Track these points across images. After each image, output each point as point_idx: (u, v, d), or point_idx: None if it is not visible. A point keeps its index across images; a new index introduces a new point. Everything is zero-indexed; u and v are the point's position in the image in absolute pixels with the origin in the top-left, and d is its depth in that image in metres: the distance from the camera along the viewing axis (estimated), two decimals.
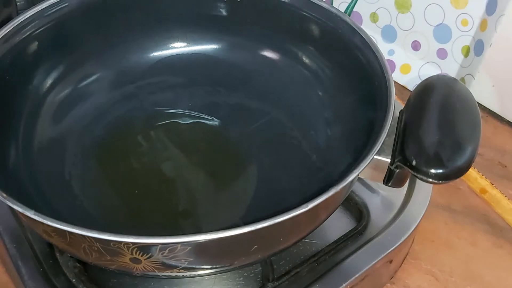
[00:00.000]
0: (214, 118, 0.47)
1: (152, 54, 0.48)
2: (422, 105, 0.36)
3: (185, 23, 0.48)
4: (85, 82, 0.46)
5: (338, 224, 0.42)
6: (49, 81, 0.44)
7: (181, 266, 0.31)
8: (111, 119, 0.45)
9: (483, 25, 0.54)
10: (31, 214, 0.29)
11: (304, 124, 0.45)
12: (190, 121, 0.47)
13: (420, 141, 0.34)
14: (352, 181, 0.32)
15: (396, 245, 0.41)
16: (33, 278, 0.37)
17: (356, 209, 0.43)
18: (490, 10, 0.53)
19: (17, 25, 0.40)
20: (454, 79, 0.40)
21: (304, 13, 0.44)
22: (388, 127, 0.34)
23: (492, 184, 0.50)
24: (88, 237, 0.28)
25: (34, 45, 0.41)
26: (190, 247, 0.29)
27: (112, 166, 0.42)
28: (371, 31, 0.61)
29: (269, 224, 0.29)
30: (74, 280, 0.37)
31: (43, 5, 0.41)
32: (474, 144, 0.34)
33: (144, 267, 0.31)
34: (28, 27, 0.41)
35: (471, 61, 0.56)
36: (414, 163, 0.33)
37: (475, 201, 0.50)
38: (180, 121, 0.47)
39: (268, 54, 0.47)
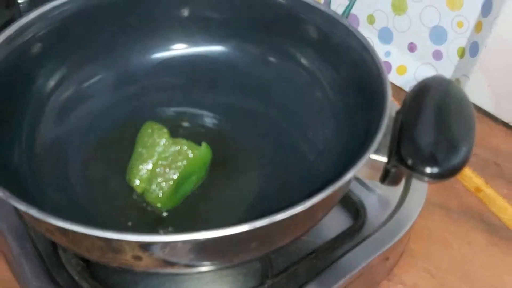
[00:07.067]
0: (215, 119, 0.47)
1: (153, 56, 0.48)
2: (418, 105, 0.36)
3: (186, 25, 0.48)
4: (87, 83, 0.46)
5: (336, 222, 0.43)
6: (52, 82, 0.44)
7: (181, 263, 0.32)
8: (113, 120, 0.46)
9: (478, 27, 0.54)
10: (34, 212, 0.29)
11: (302, 124, 0.45)
12: (190, 122, 0.47)
13: (415, 141, 0.34)
14: (349, 180, 0.32)
15: (392, 242, 0.41)
16: (36, 276, 0.38)
17: (353, 208, 0.44)
18: (485, 12, 0.53)
19: (20, 27, 0.40)
20: (449, 80, 0.41)
21: (302, 15, 0.44)
22: (385, 127, 0.34)
23: (487, 183, 0.50)
24: (91, 235, 0.28)
25: (37, 47, 0.41)
26: (190, 245, 0.30)
27: (115, 166, 0.42)
28: (368, 33, 0.61)
29: (267, 223, 0.29)
30: (77, 277, 0.38)
31: (46, 7, 0.41)
32: (468, 143, 0.34)
33: (145, 264, 0.31)
34: (31, 29, 0.40)
35: (466, 62, 0.56)
36: (410, 162, 0.33)
37: (470, 199, 0.50)
38: (181, 122, 0.47)
39: (267, 56, 0.47)
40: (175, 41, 0.49)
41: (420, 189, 0.45)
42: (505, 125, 0.57)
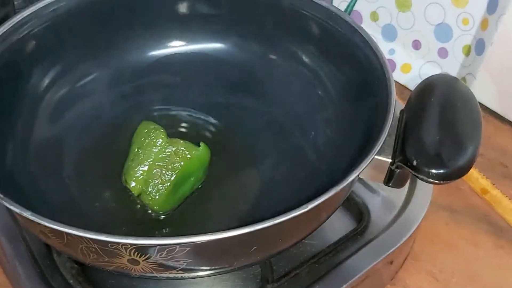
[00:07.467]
0: (213, 118, 0.47)
1: (150, 53, 0.48)
2: (422, 104, 0.37)
3: (184, 22, 0.48)
4: (82, 82, 0.46)
5: (338, 225, 0.42)
6: (46, 80, 0.44)
7: (179, 267, 0.31)
8: (109, 119, 0.45)
9: (484, 24, 0.54)
10: (28, 215, 0.29)
11: (304, 124, 0.45)
12: (188, 121, 0.47)
13: (420, 141, 0.34)
14: (352, 182, 0.32)
15: (397, 245, 0.41)
16: (30, 279, 0.37)
17: (357, 210, 0.43)
18: (491, 9, 0.53)
19: (14, 24, 0.40)
20: (455, 79, 0.40)
21: (304, 12, 0.44)
22: (389, 127, 0.34)
23: (493, 184, 0.50)
24: (86, 238, 0.28)
25: (31, 44, 0.41)
26: (188, 248, 0.29)
27: (110, 167, 0.42)
28: (372, 30, 0.61)
29: (268, 225, 0.28)
30: (71, 280, 0.37)
31: (40, 5, 0.41)
32: (475, 144, 0.34)
33: (142, 268, 0.31)
34: (26, 26, 0.41)
35: (472, 61, 0.56)
36: (415, 163, 0.33)
37: (476, 201, 0.50)
38: (178, 121, 0.46)
39: (268, 53, 0.47)
40: (173, 38, 0.48)
41: (425, 190, 0.44)
42: None
